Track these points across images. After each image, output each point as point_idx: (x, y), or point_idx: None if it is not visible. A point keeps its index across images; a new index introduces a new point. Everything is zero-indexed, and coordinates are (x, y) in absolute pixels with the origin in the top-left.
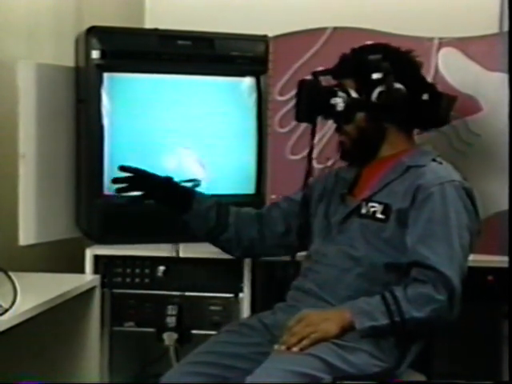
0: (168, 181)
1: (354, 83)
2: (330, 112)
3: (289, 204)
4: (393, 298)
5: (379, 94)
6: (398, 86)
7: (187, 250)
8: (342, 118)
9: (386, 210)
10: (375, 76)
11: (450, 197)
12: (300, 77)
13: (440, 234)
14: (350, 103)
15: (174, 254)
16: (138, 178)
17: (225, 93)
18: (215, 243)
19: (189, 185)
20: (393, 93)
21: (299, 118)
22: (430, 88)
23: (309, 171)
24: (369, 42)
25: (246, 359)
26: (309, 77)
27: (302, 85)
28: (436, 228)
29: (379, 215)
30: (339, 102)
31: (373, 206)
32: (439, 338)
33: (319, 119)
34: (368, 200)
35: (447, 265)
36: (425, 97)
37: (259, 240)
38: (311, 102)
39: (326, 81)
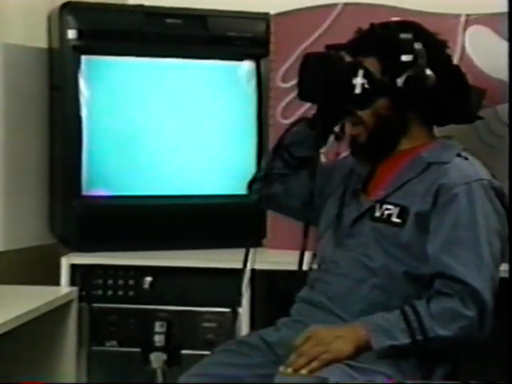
0: None
1: (377, 63)
2: (345, 93)
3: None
4: (414, 313)
5: (407, 78)
6: (428, 72)
7: (177, 258)
8: (359, 102)
9: (403, 213)
10: (405, 58)
11: (478, 198)
12: None
13: (467, 241)
14: (372, 86)
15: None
16: None
17: (220, 79)
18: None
19: None
20: (422, 79)
21: (303, 96)
22: (462, 79)
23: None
24: (395, 19)
25: (245, 383)
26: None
27: (311, 57)
28: (462, 234)
29: (395, 219)
30: (359, 83)
31: (388, 209)
32: (467, 358)
33: None
34: (382, 201)
35: (476, 276)
36: (455, 88)
37: (284, 196)
38: (323, 78)
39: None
